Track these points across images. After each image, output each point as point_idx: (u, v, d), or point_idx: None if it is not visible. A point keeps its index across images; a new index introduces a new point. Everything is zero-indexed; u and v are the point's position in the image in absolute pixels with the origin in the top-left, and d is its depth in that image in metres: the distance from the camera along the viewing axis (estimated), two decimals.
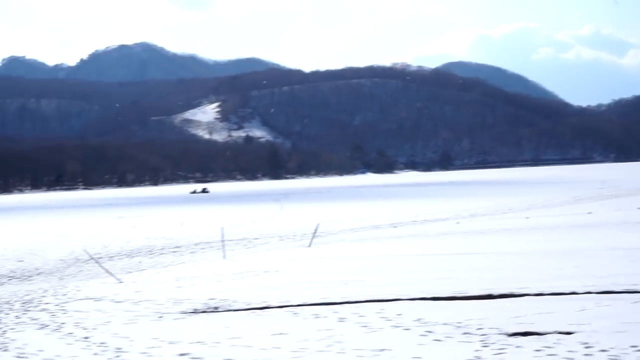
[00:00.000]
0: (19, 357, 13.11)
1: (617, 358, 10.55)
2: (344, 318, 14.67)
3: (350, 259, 24.85)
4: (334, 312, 15.27)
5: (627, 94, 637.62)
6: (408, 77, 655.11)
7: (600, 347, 11.15)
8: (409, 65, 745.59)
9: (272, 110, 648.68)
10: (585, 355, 10.79)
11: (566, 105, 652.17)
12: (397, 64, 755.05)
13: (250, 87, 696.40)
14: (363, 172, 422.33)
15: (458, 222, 41.27)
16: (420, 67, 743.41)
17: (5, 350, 13.69)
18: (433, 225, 40.07)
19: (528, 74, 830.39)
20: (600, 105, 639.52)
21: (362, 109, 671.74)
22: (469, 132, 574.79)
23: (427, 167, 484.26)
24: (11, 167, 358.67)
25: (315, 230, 33.69)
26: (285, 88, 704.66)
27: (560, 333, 12.18)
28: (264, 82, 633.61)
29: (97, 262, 26.63)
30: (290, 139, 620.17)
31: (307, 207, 67.21)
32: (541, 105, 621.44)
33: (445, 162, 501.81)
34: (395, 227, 40.72)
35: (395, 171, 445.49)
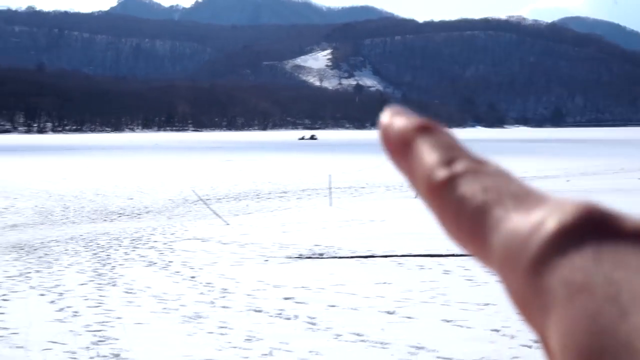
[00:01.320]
0: (127, 292, 13.36)
1: None
2: (448, 271, 14.61)
3: None
4: (439, 265, 15.21)
5: None
6: (522, 31, 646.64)
7: None
8: (524, 19, 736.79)
9: (383, 59, 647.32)
10: None
11: None
12: (512, 16, 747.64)
13: (363, 36, 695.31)
14: (472, 126, 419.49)
15: (568, 180, 40.61)
16: (536, 20, 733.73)
17: (114, 285, 13.97)
18: (542, 182, 39.49)
19: None
20: None
21: (474, 61, 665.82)
22: (583, 89, 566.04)
23: (538, 123, 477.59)
24: (123, 106, 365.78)
25: None
26: (398, 37, 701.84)
27: None
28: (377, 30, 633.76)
29: (205, 204, 26.96)
30: (401, 89, 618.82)
31: None
32: None
33: (557, 119, 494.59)
34: None
35: (506, 126, 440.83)
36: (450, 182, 0.44)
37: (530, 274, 0.38)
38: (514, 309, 0.38)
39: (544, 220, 0.38)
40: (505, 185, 0.43)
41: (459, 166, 0.44)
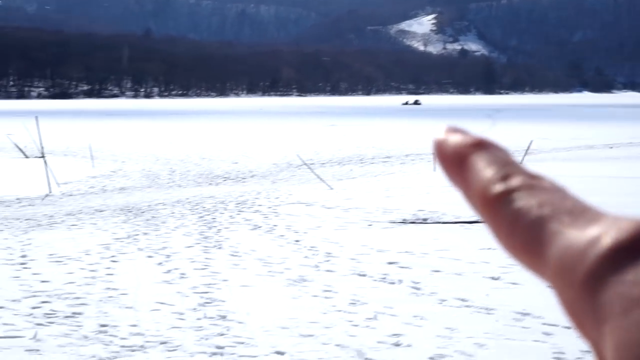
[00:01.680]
0: (233, 255, 13.51)
1: None
2: None
3: (562, 178, 24.25)
4: None
5: None
6: None
7: None
8: None
9: (489, 23, 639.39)
10: None
11: None
12: None
13: None
14: (579, 91, 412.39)
15: None
16: None
17: (220, 248, 14.13)
18: None
19: None
20: None
21: (582, 25, 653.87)
22: None
23: None
24: (228, 71, 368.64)
25: (528, 147, 33.09)
26: (504, 1, 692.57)
27: None
28: None
29: (309, 168, 27.05)
30: (506, 53, 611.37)
31: (520, 123, 66.18)
32: None
33: None
34: (611, 147, 39.58)
35: (614, 91, 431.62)
36: (506, 197, 0.45)
37: (585, 287, 0.39)
38: (567, 320, 0.46)
39: (600, 236, 0.39)
40: (561, 201, 0.43)
41: (515, 181, 0.45)
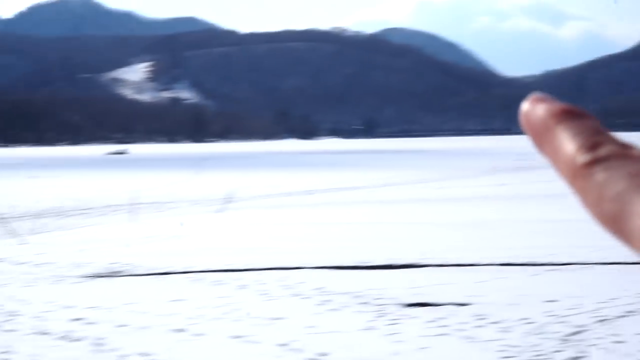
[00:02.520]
0: None
1: (506, 330, 10.71)
2: (245, 285, 14.61)
3: (258, 225, 24.80)
4: (236, 280, 15.19)
5: (560, 65, 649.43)
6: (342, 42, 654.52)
7: (493, 319, 11.31)
8: (345, 30, 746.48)
9: (204, 71, 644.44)
10: (477, 327, 10.94)
11: (494, 76, 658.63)
12: (335, 27, 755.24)
13: (185, 47, 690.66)
14: (287, 138, 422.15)
15: (372, 191, 41.34)
16: (357, 32, 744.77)
17: None
18: (348, 194, 40.15)
19: (464, 42, 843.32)
20: (529, 77, 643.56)
21: (292, 73, 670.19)
22: (396, 99, 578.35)
23: (351, 134, 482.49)
24: None
25: (227, 196, 33.55)
26: (220, 49, 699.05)
27: (455, 304, 12.32)
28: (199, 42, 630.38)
29: (1, 222, 26.20)
30: (217, 101, 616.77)
31: (224, 172, 67.01)
32: (469, 75, 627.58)
33: (370, 130, 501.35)
34: (310, 194, 40.74)
35: (318, 138, 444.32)
36: (594, 166, 0.44)
37: None
38: None
39: None
40: None
41: (604, 150, 0.44)
